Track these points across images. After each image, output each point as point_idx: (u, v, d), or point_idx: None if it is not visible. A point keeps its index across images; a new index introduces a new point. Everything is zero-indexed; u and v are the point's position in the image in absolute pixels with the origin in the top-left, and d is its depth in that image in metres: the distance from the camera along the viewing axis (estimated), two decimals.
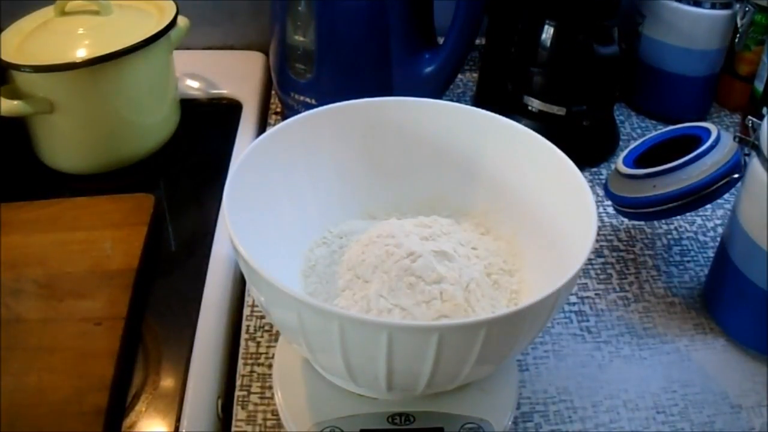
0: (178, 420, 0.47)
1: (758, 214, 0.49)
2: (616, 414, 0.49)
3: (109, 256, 0.57)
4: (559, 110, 0.69)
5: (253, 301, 0.56)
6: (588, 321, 0.56)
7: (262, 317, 0.55)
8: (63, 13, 0.67)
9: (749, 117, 0.53)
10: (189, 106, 0.77)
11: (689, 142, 0.57)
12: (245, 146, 0.46)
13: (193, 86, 0.81)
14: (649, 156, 0.60)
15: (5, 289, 0.54)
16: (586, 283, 0.59)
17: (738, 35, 0.75)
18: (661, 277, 0.60)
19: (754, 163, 0.50)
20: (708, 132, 0.57)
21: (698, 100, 0.79)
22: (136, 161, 0.70)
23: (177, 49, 0.72)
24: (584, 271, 0.60)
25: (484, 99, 0.79)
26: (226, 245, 0.59)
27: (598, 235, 0.63)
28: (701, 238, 0.64)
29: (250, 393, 0.49)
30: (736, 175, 0.53)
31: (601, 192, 0.67)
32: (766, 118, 0.50)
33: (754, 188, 0.50)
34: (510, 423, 0.46)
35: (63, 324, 0.51)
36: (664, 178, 0.56)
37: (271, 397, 0.48)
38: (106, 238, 0.59)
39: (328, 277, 0.47)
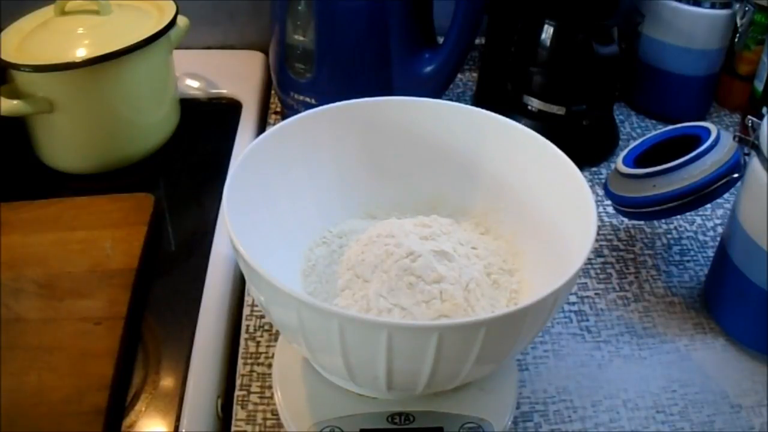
0: (177, 420, 0.47)
1: (758, 214, 0.49)
2: (616, 413, 0.49)
3: (108, 256, 0.57)
4: (558, 110, 0.69)
5: (253, 300, 0.56)
6: (588, 321, 0.56)
7: (262, 317, 0.55)
8: (63, 12, 0.67)
9: (749, 117, 0.53)
10: (189, 105, 0.77)
11: (689, 142, 0.57)
12: (245, 146, 0.46)
13: (193, 86, 0.81)
14: (648, 155, 0.60)
15: (5, 289, 0.54)
16: (585, 283, 0.59)
17: (738, 35, 0.75)
18: (660, 276, 0.60)
19: (754, 163, 0.50)
20: (708, 132, 0.57)
21: (698, 99, 0.79)
22: (136, 161, 0.70)
23: (177, 48, 0.72)
24: (584, 271, 0.60)
25: (483, 99, 0.79)
26: (226, 245, 0.59)
27: (598, 234, 0.63)
28: (701, 237, 0.64)
29: (249, 393, 0.49)
30: (735, 175, 0.53)
31: (600, 192, 0.67)
32: (766, 118, 0.50)
33: (754, 188, 0.50)
34: (510, 423, 0.46)
35: (63, 324, 0.51)
36: (664, 177, 0.56)
37: (271, 397, 0.48)
38: (106, 237, 0.59)
39: (327, 277, 0.47)
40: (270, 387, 0.49)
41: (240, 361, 0.51)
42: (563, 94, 0.69)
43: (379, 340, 0.35)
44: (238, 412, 0.48)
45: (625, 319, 0.56)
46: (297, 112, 0.52)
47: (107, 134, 0.68)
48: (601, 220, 0.65)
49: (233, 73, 0.83)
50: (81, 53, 0.63)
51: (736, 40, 0.76)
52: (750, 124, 0.52)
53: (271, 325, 0.54)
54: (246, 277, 0.41)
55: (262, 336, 0.53)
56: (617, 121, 0.77)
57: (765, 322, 0.51)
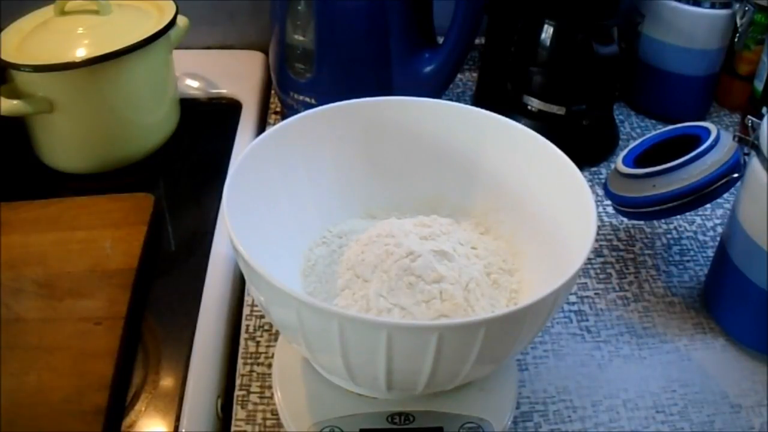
0: (177, 419, 0.47)
1: (758, 213, 0.49)
2: (616, 413, 0.49)
3: (108, 256, 0.57)
4: (558, 110, 0.69)
5: (253, 300, 0.56)
6: (587, 320, 0.56)
7: (262, 317, 0.55)
8: (62, 12, 0.67)
9: (749, 116, 0.53)
10: (189, 105, 0.77)
11: (689, 142, 0.57)
12: (245, 146, 0.46)
13: (192, 86, 0.81)
14: (648, 155, 0.60)
15: (5, 289, 0.54)
16: (585, 283, 0.59)
17: (738, 35, 0.75)
18: (660, 276, 0.60)
19: (754, 163, 0.50)
20: (707, 131, 0.57)
21: (698, 99, 0.79)
22: (136, 161, 0.70)
23: (177, 48, 0.72)
24: (584, 271, 0.60)
25: (483, 98, 0.79)
26: (226, 245, 0.59)
27: (598, 234, 0.63)
28: (701, 237, 0.64)
29: (249, 392, 0.49)
30: (735, 175, 0.53)
31: (600, 191, 0.67)
32: (765, 118, 0.50)
33: (753, 188, 0.50)
34: (510, 422, 0.46)
35: (63, 323, 0.51)
36: (664, 177, 0.56)
37: (271, 397, 0.48)
38: (106, 237, 0.59)
39: (327, 277, 0.47)
40: (270, 387, 0.49)
41: (240, 361, 0.51)
42: (563, 94, 0.69)
43: (379, 340, 0.35)
44: (238, 412, 0.48)
45: (625, 319, 0.56)
46: (297, 112, 0.52)
47: (107, 134, 0.68)
48: (601, 220, 0.65)
49: (233, 73, 0.83)
50: (81, 53, 0.63)
51: (736, 40, 0.76)
52: (750, 124, 0.52)
53: (271, 325, 0.54)
54: (246, 277, 0.41)
55: (262, 336, 0.53)
56: (617, 121, 0.77)
57: (765, 322, 0.51)
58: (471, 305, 0.43)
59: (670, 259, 0.62)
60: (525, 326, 0.38)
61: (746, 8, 0.73)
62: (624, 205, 0.59)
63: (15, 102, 0.63)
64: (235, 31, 0.89)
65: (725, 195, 0.55)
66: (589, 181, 0.69)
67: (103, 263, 0.56)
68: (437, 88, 0.71)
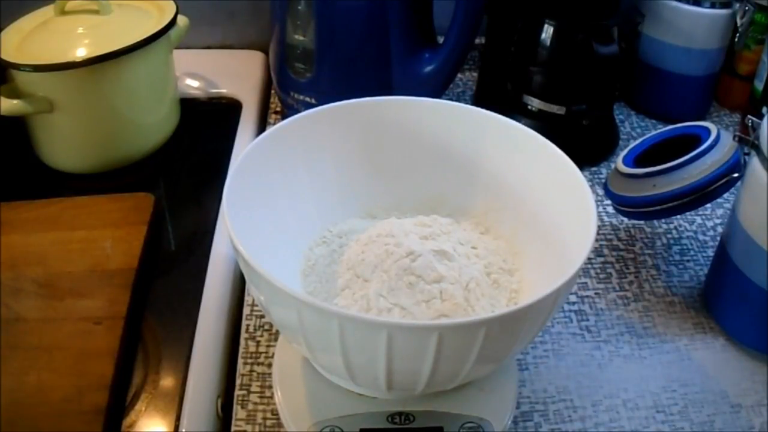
0: (177, 419, 0.47)
1: (758, 213, 0.49)
2: (616, 413, 0.49)
3: (108, 256, 0.57)
4: (558, 109, 0.69)
5: (253, 300, 0.56)
6: (588, 320, 0.56)
7: (262, 316, 0.55)
8: (63, 12, 0.67)
9: (749, 116, 0.53)
10: (189, 105, 0.77)
11: (689, 142, 0.57)
12: (245, 146, 0.46)
13: (192, 86, 0.81)
14: (648, 155, 0.60)
15: (5, 288, 0.54)
16: (585, 283, 0.59)
17: (738, 34, 0.75)
18: (660, 276, 0.60)
19: (754, 163, 0.50)
20: (708, 131, 0.57)
21: (698, 99, 0.79)
22: (136, 161, 0.70)
23: (177, 48, 0.72)
24: (584, 271, 0.60)
25: (483, 98, 0.79)
26: (226, 244, 0.59)
27: (598, 234, 0.63)
28: (701, 237, 0.64)
29: (249, 392, 0.49)
30: (735, 175, 0.53)
31: (600, 191, 0.67)
32: (765, 118, 0.50)
33: (753, 188, 0.50)
34: (510, 422, 0.46)
35: (63, 323, 0.51)
36: (664, 177, 0.56)
37: (271, 397, 0.48)
38: (106, 237, 0.59)
39: (327, 277, 0.47)
40: (270, 387, 0.49)
41: (240, 361, 0.51)
42: (563, 94, 0.69)
43: (379, 339, 0.35)
44: (238, 412, 0.48)
45: (625, 319, 0.56)
46: (297, 111, 0.52)
47: (107, 134, 0.68)
48: (601, 220, 0.65)
49: (233, 73, 0.83)
50: (81, 53, 0.63)
51: (736, 39, 0.76)
52: (750, 124, 0.52)
53: (271, 325, 0.54)
54: (246, 277, 0.41)
55: (262, 336, 0.53)
56: (617, 121, 0.77)
57: (765, 322, 0.51)
58: (471, 305, 0.43)
59: (670, 258, 0.62)
60: (525, 326, 0.38)
61: (746, 8, 0.73)
62: (624, 205, 0.59)
63: (15, 102, 0.63)
64: (235, 30, 0.89)
65: (725, 195, 0.55)
66: (589, 181, 0.69)
67: (103, 263, 0.56)
68: (437, 88, 0.71)
